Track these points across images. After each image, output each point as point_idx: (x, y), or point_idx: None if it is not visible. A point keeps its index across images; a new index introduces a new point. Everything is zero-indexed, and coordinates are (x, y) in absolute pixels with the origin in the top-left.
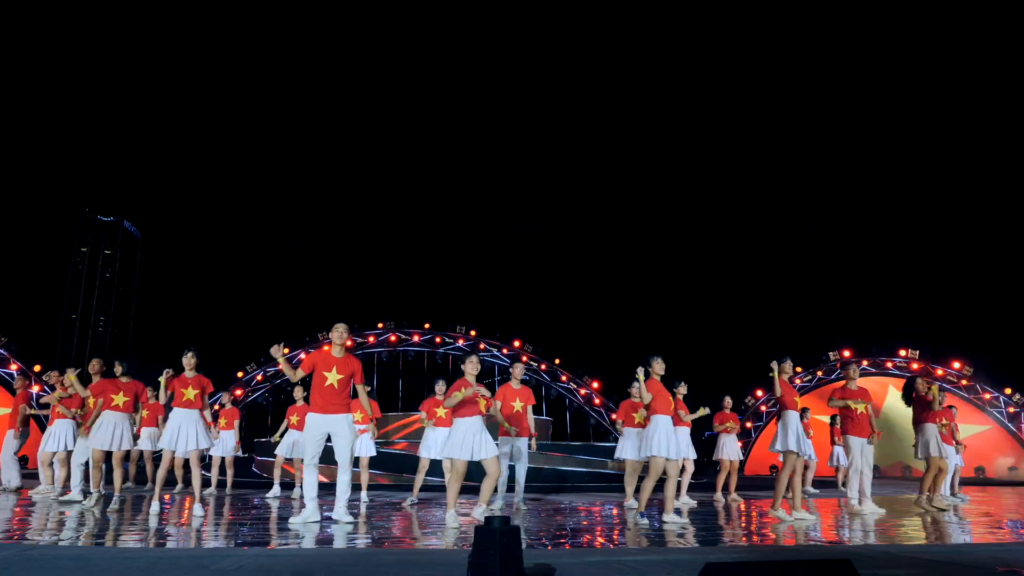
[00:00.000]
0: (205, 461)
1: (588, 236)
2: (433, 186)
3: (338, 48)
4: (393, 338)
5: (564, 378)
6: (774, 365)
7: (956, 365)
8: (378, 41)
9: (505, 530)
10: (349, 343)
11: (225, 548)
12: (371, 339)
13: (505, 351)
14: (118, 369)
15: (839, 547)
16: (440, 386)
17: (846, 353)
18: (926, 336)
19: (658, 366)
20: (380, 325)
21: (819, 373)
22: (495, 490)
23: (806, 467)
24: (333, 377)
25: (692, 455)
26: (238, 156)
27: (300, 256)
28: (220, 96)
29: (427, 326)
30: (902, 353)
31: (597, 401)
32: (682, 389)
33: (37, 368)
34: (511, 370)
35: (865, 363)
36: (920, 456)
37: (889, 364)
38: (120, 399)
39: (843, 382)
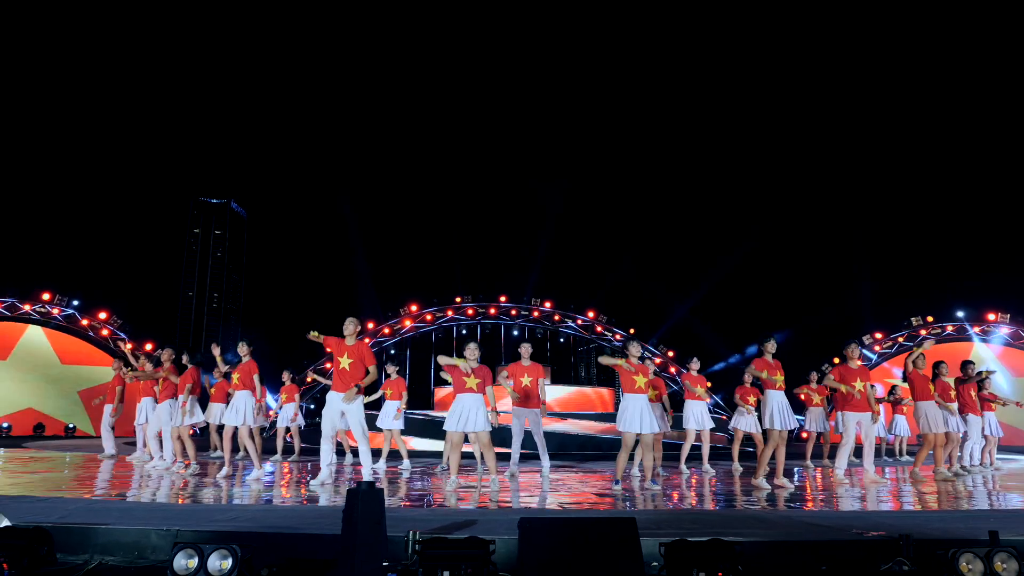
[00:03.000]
0: (265, 433)
1: (664, 209)
2: (499, 161)
3: (417, 35)
4: (471, 311)
5: None
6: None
7: None
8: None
9: (367, 492)
10: (369, 328)
11: (237, 505)
12: (449, 312)
13: (579, 322)
14: (185, 359)
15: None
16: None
17: (929, 318)
18: (1015, 300)
19: (634, 349)
20: (458, 300)
21: (900, 339)
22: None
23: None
24: (345, 362)
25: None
26: (331, 142)
27: (391, 235)
28: (316, 81)
29: (503, 299)
30: (990, 317)
31: (672, 370)
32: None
33: (149, 346)
34: (520, 349)
35: (950, 328)
36: (920, 431)
37: (976, 329)
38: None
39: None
